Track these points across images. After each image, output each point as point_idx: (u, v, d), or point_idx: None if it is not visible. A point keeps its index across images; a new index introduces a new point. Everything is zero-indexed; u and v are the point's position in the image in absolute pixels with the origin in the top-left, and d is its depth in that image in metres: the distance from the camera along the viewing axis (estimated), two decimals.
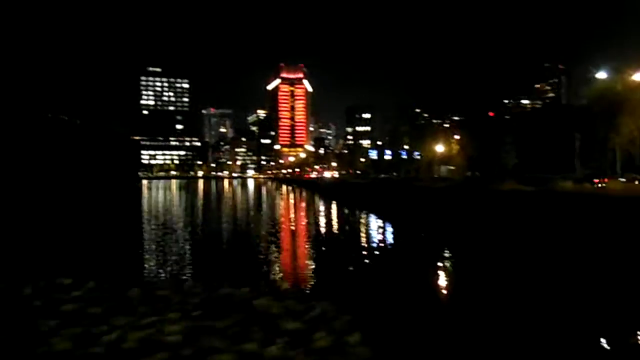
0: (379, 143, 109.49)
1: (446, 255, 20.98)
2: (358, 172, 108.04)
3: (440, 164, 61.48)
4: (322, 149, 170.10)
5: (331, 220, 38.16)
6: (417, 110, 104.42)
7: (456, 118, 72.64)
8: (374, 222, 34.91)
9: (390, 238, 27.36)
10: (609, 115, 31.13)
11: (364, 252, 21.56)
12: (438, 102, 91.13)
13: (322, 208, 50.14)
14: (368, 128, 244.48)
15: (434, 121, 68.12)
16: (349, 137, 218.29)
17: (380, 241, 25.22)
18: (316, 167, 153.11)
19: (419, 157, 72.75)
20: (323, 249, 22.61)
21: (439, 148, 60.00)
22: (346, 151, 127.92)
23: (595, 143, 32.33)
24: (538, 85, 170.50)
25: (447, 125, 67.19)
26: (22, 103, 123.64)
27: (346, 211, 44.83)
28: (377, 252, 21.77)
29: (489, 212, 32.10)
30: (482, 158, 49.92)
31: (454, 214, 34.54)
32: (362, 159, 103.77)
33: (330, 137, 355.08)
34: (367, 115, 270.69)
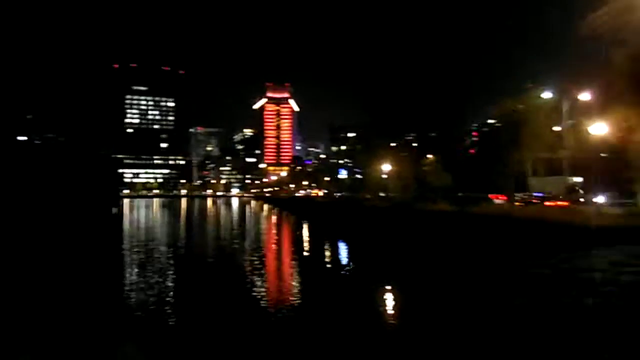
0: (342, 162, 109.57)
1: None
2: (330, 190, 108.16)
3: (387, 183, 61.00)
4: (300, 167, 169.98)
5: (278, 227, 53.30)
6: (375, 130, 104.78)
7: (410, 138, 72.57)
8: (306, 228, 48.37)
9: (308, 237, 39.16)
10: (513, 134, 30.75)
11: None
12: (390, 122, 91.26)
13: (275, 219, 67.72)
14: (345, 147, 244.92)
15: (383, 142, 67.66)
16: (322, 155, 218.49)
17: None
18: (291, 185, 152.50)
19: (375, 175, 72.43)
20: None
21: (385, 167, 59.58)
22: (311, 170, 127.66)
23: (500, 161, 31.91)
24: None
25: (395, 145, 66.78)
26: None
27: (292, 220, 60.76)
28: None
29: (407, 228, 37.23)
30: (417, 178, 49.54)
31: (383, 229, 40.41)
32: (327, 178, 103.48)
33: (322, 156, 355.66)
34: (351, 134, 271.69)
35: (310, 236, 44.24)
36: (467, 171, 44.92)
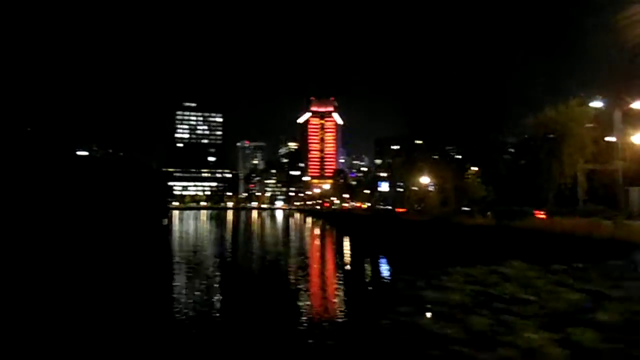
0: (384, 175, 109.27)
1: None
2: (370, 204, 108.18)
3: (426, 195, 60.57)
4: (342, 180, 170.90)
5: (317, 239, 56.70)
6: (418, 142, 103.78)
7: (450, 149, 71.69)
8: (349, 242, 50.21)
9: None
10: (553, 145, 30.20)
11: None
12: (431, 134, 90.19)
13: (318, 231, 70.64)
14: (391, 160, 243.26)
15: (424, 154, 67.29)
16: (364, 169, 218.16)
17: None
18: (333, 198, 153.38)
19: (415, 188, 72.10)
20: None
21: (424, 180, 59.34)
22: (354, 183, 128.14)
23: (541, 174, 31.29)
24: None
25: (437, 157, 66.29)
26: (55, 140, 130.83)
27: (333, 233, 63.73)
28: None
29: (447, 242, 36.33)
30: (456, 191, 49.06)
31: (419, 241, 40.79)
32: (367, 191, 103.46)
33: (364, 169, 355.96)
34: (396, 147, 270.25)
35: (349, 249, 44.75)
36: (509, 184, 44.06)
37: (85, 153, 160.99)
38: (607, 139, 29.08)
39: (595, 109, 31.12)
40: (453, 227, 40.85)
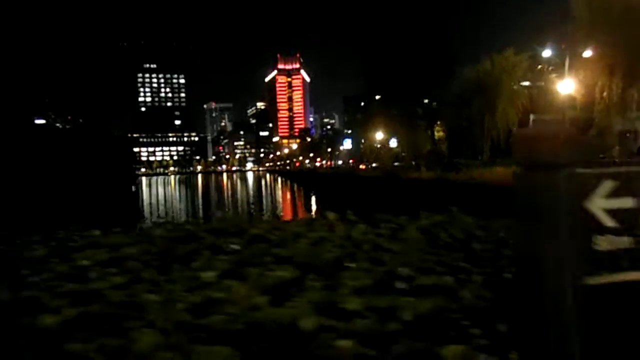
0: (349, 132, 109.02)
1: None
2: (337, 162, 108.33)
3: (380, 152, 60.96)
4: (308, 139, 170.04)
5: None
6: (377, 97, 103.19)
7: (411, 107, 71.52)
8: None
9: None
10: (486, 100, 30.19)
11: None
12: (388, 90, 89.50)
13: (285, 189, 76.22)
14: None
15: (382, 111, 67.04)
16: (327, 127, 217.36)
17: None
18: (301, 157, 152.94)
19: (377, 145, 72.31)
20: None
21: (379, 136, 59.43)
22: (317, 141, 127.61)
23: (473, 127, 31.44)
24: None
25: (395, 114, 66.15)
26: (10, 108, 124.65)
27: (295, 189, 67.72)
28: None
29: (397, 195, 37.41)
30: (408, 146, 49.36)
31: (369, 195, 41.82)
32: (330, 149, 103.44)
33: (335, 127, 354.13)
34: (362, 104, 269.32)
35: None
36: (453, 138, 44.55)
37: (43, 121, 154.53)
38: (523, 83, 29.15)
39: (529, 57, 30.90)
40: (402, 182, 42.25)
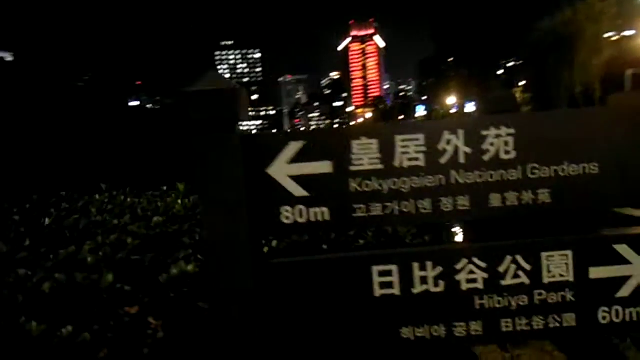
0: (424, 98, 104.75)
1: None
2: None
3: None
4: (382, 106, 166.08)
5: None
6: (449, 60, 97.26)
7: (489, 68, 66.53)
8: None
9: None
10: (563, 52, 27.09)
11: None
12: (461, 52, 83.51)
13: None
14: None
15: (454, 73, 63.37)
16: (401, 93, 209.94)
17: None
18: None
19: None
20: None
21: (451, 100, 56.49)
22: (390, 109, 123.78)
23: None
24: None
25: (466, 75, 62.21)
26: (102, 90, 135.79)
27: None
28: None
29: None
30: None
31: None
32: (402, 116, 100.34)
33: (411, 94, 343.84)
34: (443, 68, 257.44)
35: None
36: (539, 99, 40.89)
37: (137, 103, 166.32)
38: (607, 34, 25.39)
39: (617, 3, 26.92)
40: None
